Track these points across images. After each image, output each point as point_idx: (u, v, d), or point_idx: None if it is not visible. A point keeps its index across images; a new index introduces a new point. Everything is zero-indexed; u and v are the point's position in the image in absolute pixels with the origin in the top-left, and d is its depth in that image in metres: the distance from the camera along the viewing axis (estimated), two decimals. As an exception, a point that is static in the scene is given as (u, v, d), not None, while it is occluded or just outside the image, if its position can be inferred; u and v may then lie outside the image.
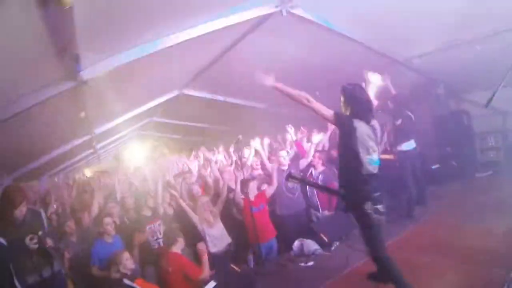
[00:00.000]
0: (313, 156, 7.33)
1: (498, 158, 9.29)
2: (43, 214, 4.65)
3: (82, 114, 6.41)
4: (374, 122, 4.46)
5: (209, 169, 7.47)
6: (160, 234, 6.07)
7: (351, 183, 4.00)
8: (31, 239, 4.12)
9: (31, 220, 4.37)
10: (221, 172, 7.08)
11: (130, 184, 7.98)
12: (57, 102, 5.65)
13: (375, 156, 3.94)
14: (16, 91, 4.98)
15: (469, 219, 6.23)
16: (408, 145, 7.20)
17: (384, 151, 7.96)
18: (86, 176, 10.94)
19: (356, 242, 5.58)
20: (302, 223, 6.93)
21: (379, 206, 3.87)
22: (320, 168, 7.32)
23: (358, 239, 5.76)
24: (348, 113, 4.04)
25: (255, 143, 7.49)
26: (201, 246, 5.40)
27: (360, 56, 7.49)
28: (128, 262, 4.96)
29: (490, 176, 8.64)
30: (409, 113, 7.37)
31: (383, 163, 7.70)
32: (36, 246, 4.15)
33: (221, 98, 9.76)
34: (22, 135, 6.51)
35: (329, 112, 3.89)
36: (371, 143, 3.95)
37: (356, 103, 4.02)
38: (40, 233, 4.20)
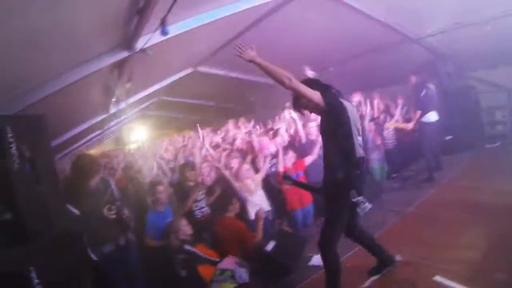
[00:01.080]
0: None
1: (505, 131, 9.43)
2: (112, 183, 4.41)
3: (128, 86, 6.09)
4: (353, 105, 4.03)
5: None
6: (204, 203, 5.92)
7: (342, 168, 3.48)
8: (109, 209, 3.95)
9: (103, 189, 4.18)
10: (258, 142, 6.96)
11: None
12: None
13: (361, 138, 3.69)
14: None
15: (483, 180, 6.45)
16: (431, 117, 7.43)
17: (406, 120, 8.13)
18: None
19: (387, 204, 6.20)
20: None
21: (360, 198, 3.49)
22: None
23: (388, 202, 6.33)
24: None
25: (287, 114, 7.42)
26: (259, 212, 5.32)
27: (376, 33, 7.49)
28: (186, 228, 4.84)
29: (498, 146, 8.77)
30: (431, 86, 7.55)
31: (401, 133, 8.04)
32: (114, 216, 3.97)
33: (234, 75, 9.54)
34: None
35: (315, 93, 3.41)
36: (358, 124, 3.64)
37: (322, 85, 3.63)
38: (118, 203, 4.02)
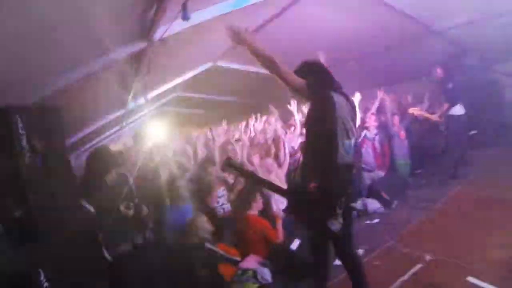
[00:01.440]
0: (368, 118, 7.01)
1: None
2: (130, 179, 4.08)
3: (146, 79, 5.77)
4: (349, 98, 3.28)
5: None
6: (225, 200, 5.59)
7: (322, 175, 2.98)
8: (126, 206, 3.63)
9: (120, 185, 3.85)
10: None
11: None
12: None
13: (352, 141, 3.09)
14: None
15: (510, 177, 6.11)
16: (458, 110, 7.09)
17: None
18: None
19: (413, 201, 6.19)
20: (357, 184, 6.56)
21: (356, 204, 3.12)
22: (374, 130, 6.99)
23: (414, 198, 6.35)
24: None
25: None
26: (276, 210, 5.01)
27: (399, 25, 7.06)
28: (207, 225, 4.51)
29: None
30: (457, 79, 7.27)
31: (426, 127, 7.67)
32: (132, 214, 3.66)
33: (254, 69, 9.10)
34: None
35: (300, 81, 2.93)
36: (351, 124, 3.05)
37: (318, 72, 3.20)
38: (136, 201, 3.68)
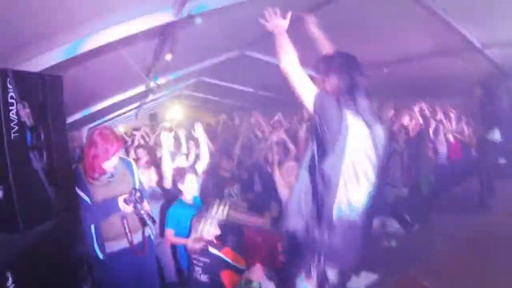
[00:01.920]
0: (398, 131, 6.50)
1: None
2: (134, 166, 3.49)
3: (169, 57, 5.22)
4: (377, 127, 2.27)
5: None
6: (239, 199, 5.02)
7: (303, 219, 2.23)
8: (125, 200, 3.05)
9: (121, 174, 3.26)
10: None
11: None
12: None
13: (366, 189, 2.17)
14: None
15: None
16: (495, 136, 6.54)
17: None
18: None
19: (436, 226, 5.63)
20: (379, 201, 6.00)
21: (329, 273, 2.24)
22: (404, 144, 6.49)
23: (437, 223, 5.78)
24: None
25: None
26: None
27: (440, 36, 6.35)
28: (213, 228, 3.92)
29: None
30: (497, 102, 6.78)
31: (455, 148, 7.05)
32: (131, 209, 3.08)
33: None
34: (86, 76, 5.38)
35: (307, 88, 2.16)
36: (367, 165, 2.16)
37: (341, 74, 2.29)
38: (137, 194, 3.08)
